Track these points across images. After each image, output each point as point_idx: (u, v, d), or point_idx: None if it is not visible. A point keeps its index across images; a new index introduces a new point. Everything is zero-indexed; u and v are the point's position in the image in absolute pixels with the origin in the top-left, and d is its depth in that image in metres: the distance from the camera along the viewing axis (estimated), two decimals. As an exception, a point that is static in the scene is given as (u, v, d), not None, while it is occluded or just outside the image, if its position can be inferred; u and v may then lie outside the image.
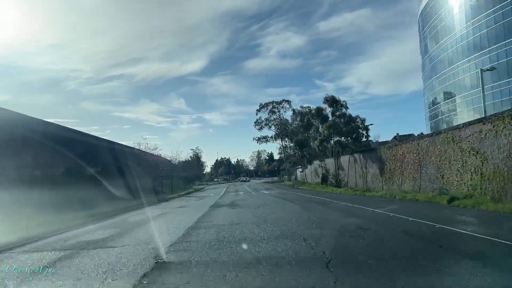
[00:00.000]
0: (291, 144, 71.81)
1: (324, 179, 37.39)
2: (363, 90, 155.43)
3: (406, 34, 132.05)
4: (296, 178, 58.28)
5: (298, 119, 70.42)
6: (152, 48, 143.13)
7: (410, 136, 56.57)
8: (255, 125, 70.61)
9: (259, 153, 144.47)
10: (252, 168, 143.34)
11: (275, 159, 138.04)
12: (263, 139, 70.84)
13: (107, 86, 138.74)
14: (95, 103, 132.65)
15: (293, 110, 69.78)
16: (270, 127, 70.10)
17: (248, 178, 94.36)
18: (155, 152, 42.55)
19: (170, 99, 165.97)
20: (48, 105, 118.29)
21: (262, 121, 69.77)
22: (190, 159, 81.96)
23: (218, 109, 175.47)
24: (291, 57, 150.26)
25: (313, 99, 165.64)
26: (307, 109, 70.85)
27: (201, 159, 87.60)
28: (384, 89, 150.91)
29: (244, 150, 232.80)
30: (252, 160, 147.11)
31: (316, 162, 43.24)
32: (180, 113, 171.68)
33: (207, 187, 54.01)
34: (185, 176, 44.45)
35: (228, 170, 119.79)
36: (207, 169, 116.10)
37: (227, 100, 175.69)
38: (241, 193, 31.60)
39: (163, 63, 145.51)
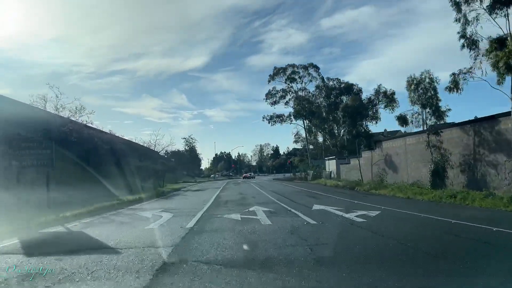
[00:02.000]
0: (314, 128, 51.59)
1: (439, 176, 16.80)
2: (366, 88, 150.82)
3: (410, 32, 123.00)
4: (331, 174, 37.18)
5: (323, 94, 49.94)
6: (154, 43, 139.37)
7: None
8: (266, 99, 49.33)
9: (261, 147, 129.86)
10: (254, 163, 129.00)
11: (281, 154, 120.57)
12: (277, 119, 49.01)
13: (109, 81, 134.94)
14: (97, 98, 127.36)
15: (322, 78, 48.28)
16: (287, 102, 48.73)
17: (252, 174, 76.12)
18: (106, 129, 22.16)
19: (171, 94, 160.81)
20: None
21: (277, 91, 48.33)
22: (185, 150, 63.17)
23: (220, 105, 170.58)
24: (294, 54, 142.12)
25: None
26: (335, 83, 50.98)
27: (196, 151, 68.79)
28: (387, 87, 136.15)
29: (246, 145, 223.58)
30: (254, 154, 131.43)
31: (393, 144, 22.61)
32: (182, 109, 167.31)
33: (192, 187, 32.92)
34: (149, 168, 23.80)
35: (228, 165, 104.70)
36: (206, 164, 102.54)
37: (228, 96, 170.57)
38: (260, 219, 10.86)
39: (165, 58, 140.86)
